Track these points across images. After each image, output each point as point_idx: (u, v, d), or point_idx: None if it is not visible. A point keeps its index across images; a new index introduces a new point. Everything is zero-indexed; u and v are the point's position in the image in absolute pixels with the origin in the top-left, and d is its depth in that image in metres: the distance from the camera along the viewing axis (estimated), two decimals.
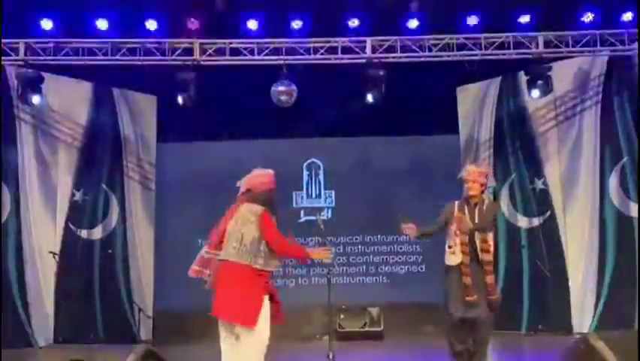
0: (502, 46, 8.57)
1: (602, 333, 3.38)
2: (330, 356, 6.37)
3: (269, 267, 4.69)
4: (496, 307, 5.39)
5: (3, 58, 8.27)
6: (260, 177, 4.90)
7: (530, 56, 8.59)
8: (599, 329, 8.36)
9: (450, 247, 5.43)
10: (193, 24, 8.45)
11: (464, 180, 5.47)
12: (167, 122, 9.90)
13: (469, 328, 5.38)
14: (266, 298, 4.65)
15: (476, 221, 5.35)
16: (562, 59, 8.82)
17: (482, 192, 5.47)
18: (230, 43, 8.59)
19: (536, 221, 9.31)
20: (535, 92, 8.73)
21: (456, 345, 5.46)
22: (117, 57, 8.46)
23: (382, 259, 10.36)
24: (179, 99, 8.49)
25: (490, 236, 5.43)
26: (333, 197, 10.44)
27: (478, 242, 5.36)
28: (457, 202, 5.52)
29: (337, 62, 8.62)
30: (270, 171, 4.95)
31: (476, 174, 5.42)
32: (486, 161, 5.02)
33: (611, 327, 8.26)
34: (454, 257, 5.40)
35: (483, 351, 5.44)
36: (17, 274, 8.54)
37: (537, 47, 8.54)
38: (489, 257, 5.34)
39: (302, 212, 10.22)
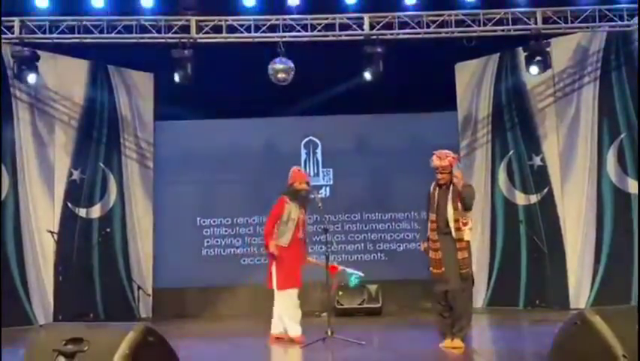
0: (500, 22, 8.51)
1: (599, 308, 3.39)
2: (329, 333, 6.41)
3: None
4: (466, 279, 5.79)
5: None
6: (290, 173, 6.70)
7: (529, 32, 8.55)
8: (596, 305, 8.42)
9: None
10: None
11: (435, 169, 5.96)
12: (164, 100, 9.87)
13: (445, 298, 5.86)
14: None
15: (449, 202, 5.82)
16: (560, 35, 8.78)
17: (450, 172, 5.91)
18: (227, 20, 8.52)
19: (534, 198, 9.33)
20: (534, 69, 8.71)
21: (441, 311, 5.91)
22: (113, 35, 8.40)
23: (380, 236, 10.39)
24: (176, 77, 8.44)
25: (465, 215, 5.82)
26: (331, 175, 10.43)
27: (450, 219, 5.79)
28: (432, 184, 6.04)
29: (335, 39, 8.56)
30: (293, 168, 6.80)
31: (440, 168, 5.90)
32: (451, 151, 5.82)
33: (608, 302, 8.32)
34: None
35: (463, 321, 5.83)
36: (16, 253, 8.55)
37: (535, 23, 8.48)
38: (461, 235, 5.75)
39: None
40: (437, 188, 5.92)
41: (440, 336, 5.93)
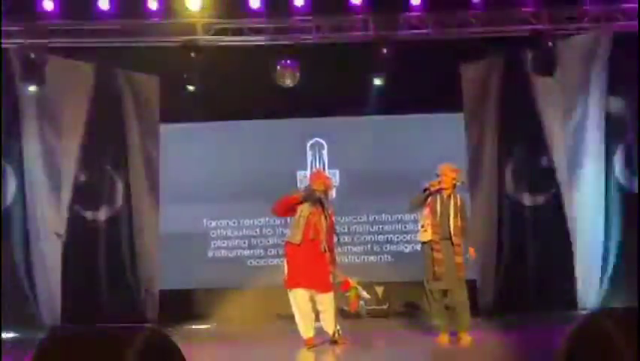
0: (506, 22, 8.48)
1: (608, 309, 3.37)
2: (336, 335, 6.40)
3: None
4: (463, 280, 6.49)
5: (3, 40, 8.22)
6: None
7: (535, 33, 8.51)
8: (604, 305, 8.39)
9: (422, 226, 6.63)
10: None
11: (438, 175, 6.51)
12: (169, 102, 9.86)
13: (444, 296, 6.46)
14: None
15: (451, 211, 6.43)
16: (567, 34, 8.74)
17: (454, 186, 6.50)
18: (233, 23, 8.52)
19: (541, 198, 9.30)
20: (540, 69, 8.68)
21: (434, 309, 6.53)
22: (119, 38, 8.41)
23: (387, 238, 10.34)
24: (182, 80, 8.46)
25: (462, 224, 6.49)
26: (337, 176, 10.40)
27: (452, 227, 6.39)
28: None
29: (340, 40, 8.55)
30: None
31: (447, 169, 6.48)
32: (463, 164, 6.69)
33: (616, 303, 8.28)
34: (425, 234, 6.55)
35: (463, 317, 6.41)
36: (23, 255, 8.58)
37: (542, 23, 8.45)
38: (458, 240, 6.40)
39: None
40: (438, 197, 6.46)
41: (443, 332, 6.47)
